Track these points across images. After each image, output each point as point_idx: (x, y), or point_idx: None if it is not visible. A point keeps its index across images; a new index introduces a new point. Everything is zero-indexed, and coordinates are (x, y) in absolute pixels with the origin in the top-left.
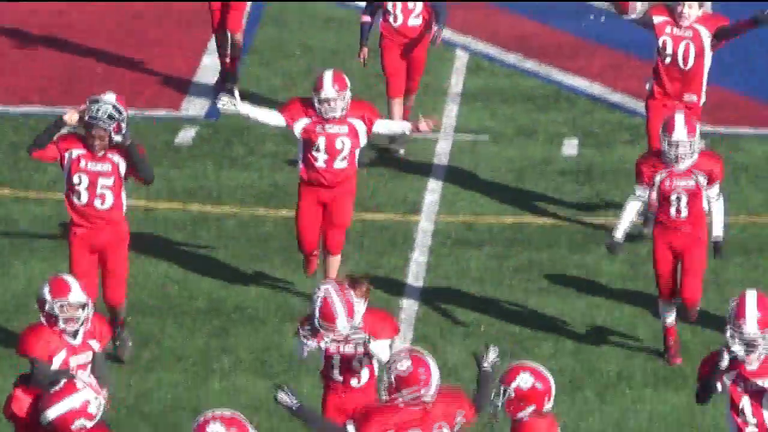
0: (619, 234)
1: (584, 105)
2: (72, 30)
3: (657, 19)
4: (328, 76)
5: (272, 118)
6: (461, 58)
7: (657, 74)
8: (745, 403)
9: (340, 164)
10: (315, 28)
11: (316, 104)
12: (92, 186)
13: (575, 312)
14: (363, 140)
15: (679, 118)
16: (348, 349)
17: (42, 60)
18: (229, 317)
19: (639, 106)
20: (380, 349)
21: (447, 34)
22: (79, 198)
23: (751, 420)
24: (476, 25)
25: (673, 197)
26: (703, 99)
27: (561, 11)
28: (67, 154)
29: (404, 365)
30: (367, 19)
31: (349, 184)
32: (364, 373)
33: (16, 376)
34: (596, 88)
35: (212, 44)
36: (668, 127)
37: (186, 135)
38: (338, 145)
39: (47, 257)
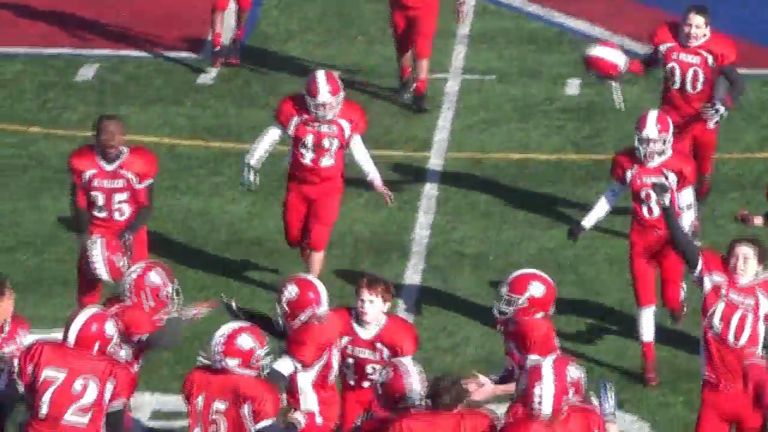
0: (586, 223)
1: (585, 47)
2: None
3: (663, 47)
4: (322, 80)
5: (270, 135)
6: (468, 2)
7: (666, 95)
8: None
9: (326, 162)
10: None
11: (312, 108)
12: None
13: (578, 244)
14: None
15: (651, 116)
16: (363, 355)
17: (69, 3)
18: (249, 249)
19: (638, 48)
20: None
21: None
22: (99, 212)
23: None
24: None
25: (643, 194)
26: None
27: None
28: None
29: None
30: None
31: (336, 182)
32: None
33: (50, 305)
34: (597, 31)
35: None
36: (640, 123)
37: (207, 76)
38: (325, 143)
39: None
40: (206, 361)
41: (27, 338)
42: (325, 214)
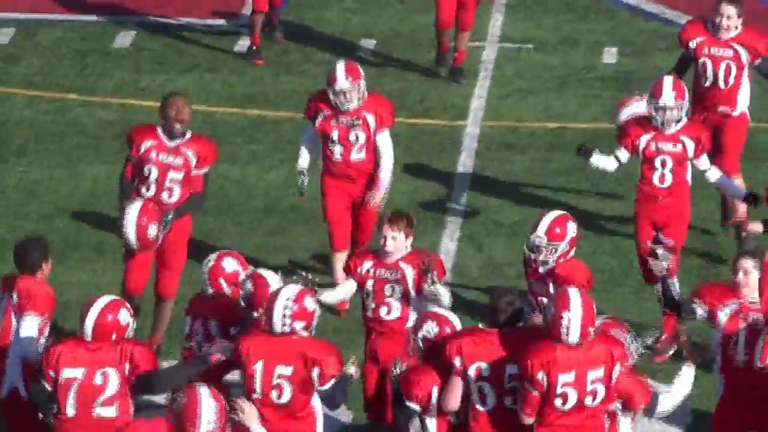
0: (595, 157)
1: (623, 15)
2: None
3: (693, 43)
4: (340, 68)
5: (307, 134)
6: None
7: (696, 92)
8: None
9: (356, 156)
10: None
11: (331, 96)
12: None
13: (614, 211)
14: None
15: (667, 82)
16: (383, 275)
17: None
18: (286, 217)
19: (674, 15)
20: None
21: None
22: (147, 190)
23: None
24: None
25: (658, 162)
26: (738, 110)
27: None
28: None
29: (431, 330)
30: None
31: (374, 178)
32: (395, 309)
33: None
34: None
35: None
36: (656, 91)
37: (244, 43)
38: (351, 137)
39: (111, 160)
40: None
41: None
42: (366, 222)
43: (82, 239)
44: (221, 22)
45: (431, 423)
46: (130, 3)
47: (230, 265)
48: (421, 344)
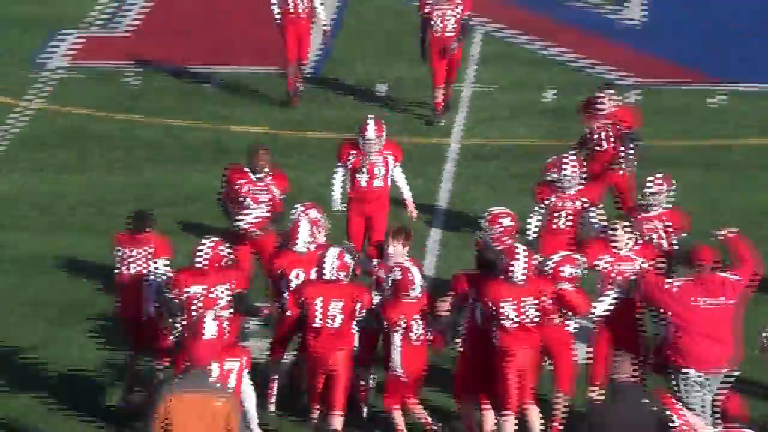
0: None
1: (556, 69)
2: (223, 11)
3: (589, 126)
4: (371, 123)
5: (338, 175)
6: (478, 36)
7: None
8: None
9: (377, 184)
10: None
11: (360, 143)
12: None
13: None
14: (391, 168)
15: (567, 159)
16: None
17: (196, 27)
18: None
19: (591, 67)
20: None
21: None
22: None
23: None
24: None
25: (560, 214)
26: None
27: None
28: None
29: (397, 275)
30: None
31: (385, 200)
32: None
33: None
34: (570, 55)
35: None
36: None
37: (300, 85)
38: (375, 171)
39: (209, 169)
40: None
41: (160, 263)
42: (379, 227)
43: (178, 227)
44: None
45: (398, 339)
46: (217, 57)
47: (315, 213)
48: (390, 286)
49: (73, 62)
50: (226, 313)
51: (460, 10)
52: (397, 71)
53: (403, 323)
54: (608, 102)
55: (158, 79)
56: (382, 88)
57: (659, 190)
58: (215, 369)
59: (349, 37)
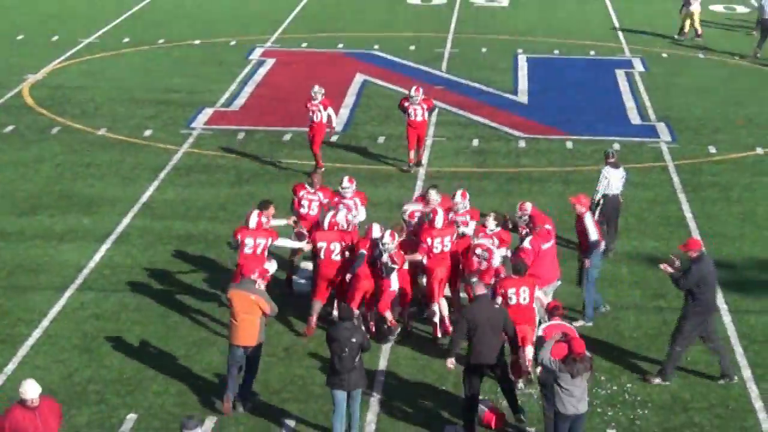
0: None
1: (481, 126)
2: (291, 95)
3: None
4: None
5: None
6: (435, 111)
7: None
8: None
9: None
10: None
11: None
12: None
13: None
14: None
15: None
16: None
17: (264, 102)
18: None
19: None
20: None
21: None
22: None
23: None
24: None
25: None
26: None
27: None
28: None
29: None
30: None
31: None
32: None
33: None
34: (485, 121)
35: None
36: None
37: (335, 138)
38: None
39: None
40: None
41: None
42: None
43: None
44: (326, 129)
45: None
46: (289, 122)
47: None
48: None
49: (208, 125)
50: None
51: (426, 106)
52: (390, 130)
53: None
54: (435, 197)
55: (256, 134)
56: (381, 139)
57: (463, 199)
58: (250, 242)
59: (363, 110)
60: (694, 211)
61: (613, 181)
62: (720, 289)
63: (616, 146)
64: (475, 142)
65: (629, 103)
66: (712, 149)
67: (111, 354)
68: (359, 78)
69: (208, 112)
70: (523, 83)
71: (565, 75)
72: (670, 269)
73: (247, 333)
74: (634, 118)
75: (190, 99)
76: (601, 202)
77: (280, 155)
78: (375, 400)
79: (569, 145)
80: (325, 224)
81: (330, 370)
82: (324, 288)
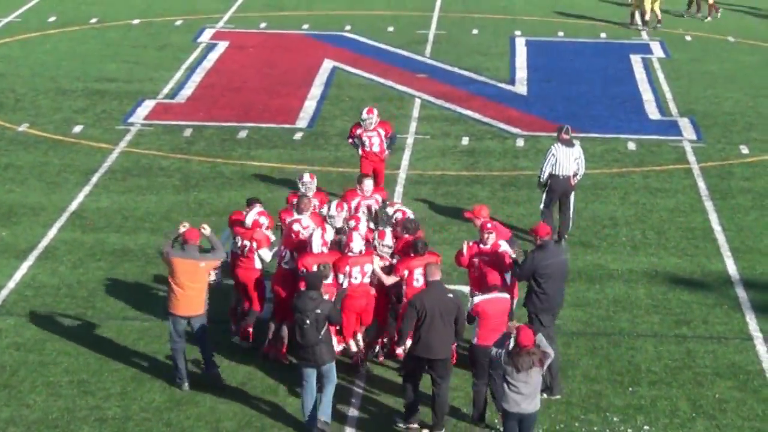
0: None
1: (471, 122)
2: (247, 85)
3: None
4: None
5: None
6: (417, 102)
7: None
8: None
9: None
10: None
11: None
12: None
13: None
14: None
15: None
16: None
17: (221, 96)
18: None
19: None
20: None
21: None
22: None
23: None
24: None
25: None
26: None
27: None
28: None
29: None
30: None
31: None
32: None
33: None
34: (476, 116)
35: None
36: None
37: (298, 135)
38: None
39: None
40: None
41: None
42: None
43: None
44: (288, 125)
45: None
46: (245, 117)
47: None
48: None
49: (149, 120)
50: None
51: (384, 132)
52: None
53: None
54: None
55: (206, 130)
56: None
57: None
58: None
59: (332, 102)
60: (723, 222)
61: (562, 160)
62: (754, 314)
63: (632, 145)
64: (465, 141)
65: (647, 95)
66: (744, 149)
67: (34, 391)
68: (328, 65)
69: (149, 104)
70: (521, 71)
71: (571, 61)
72: (512, 254)
73: (194, 302)
74: (653, 113)
75: (127, 89)
76: (548, 182)
77: (234, 155)
78: (357, 389)
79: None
80: (314, 248)
81: (293, 344)
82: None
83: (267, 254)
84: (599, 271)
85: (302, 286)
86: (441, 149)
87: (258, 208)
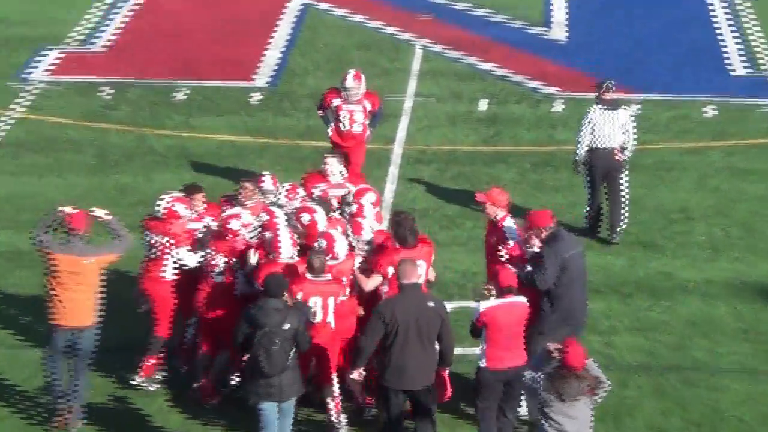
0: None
1: (490, 79)
2: (188, 30)
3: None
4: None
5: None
6: (418, 52)
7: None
8: None
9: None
10: None
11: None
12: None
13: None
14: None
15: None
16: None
17: (165, 45)
18: None
19: (524, 79)
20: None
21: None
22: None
23: None
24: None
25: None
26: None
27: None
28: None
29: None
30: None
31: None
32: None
33: None
34: (501, 69)
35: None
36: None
37: (256, 96)
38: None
39: (175, 172)
40: None
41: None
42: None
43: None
44: (243, 83)
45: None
46: (183, 72)
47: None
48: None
49: (53, 77)
50: None
51: (370, 105)
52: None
53: None
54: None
55: (131, 90)
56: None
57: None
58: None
59: (302, 52)
60: None
61: (603, 128)
62: None
63: (710, 111)
64: (483, 105)
65: (730, 44)
66: None
67: None
68: (296, 2)
69: (54, 54)
70: (559, 10)
71: None
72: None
73: (80, 311)
74: (738, 67)
75: (24, 34)
76: (586, 159)
77: (168, 124)
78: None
79: (633, 109)
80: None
81: (249, 374)
82: None
83: (188, 257)
84: (667, 282)
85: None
86: (450, 116)
87: (176, 194)
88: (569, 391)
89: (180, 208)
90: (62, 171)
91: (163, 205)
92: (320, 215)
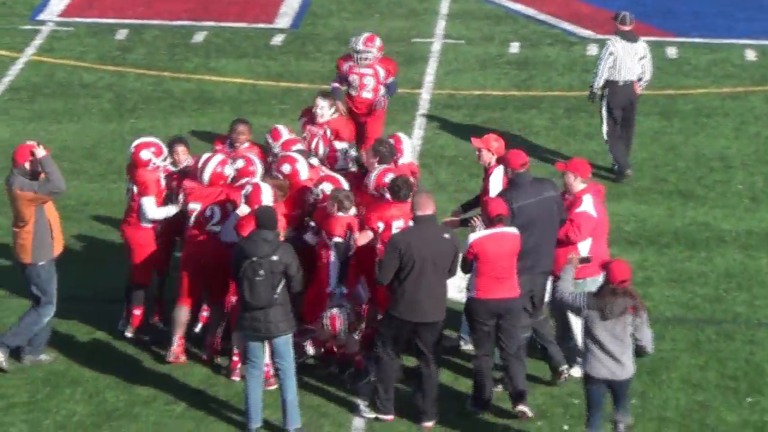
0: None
1: (522, 21)
2: None
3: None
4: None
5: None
6: None
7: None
8: None
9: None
10: None
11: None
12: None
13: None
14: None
15: None
16: None
17: None
18: None
19: (557, 21)
20: None
21: None
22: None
23: None
24: None
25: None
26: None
27: None
28: None
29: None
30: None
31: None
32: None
33: None
34: (530, 11)
35: None
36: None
37: (277, 39)
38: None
39: (192, 116)
40: None
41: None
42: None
43: None
44: (263, 25)
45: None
46: (203, 13)
47: None
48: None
49: (66, 17)
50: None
51: (384, 73)
52: (370, 25)
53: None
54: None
55: (148, 32)
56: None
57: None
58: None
59: None
60: None
61: (624, 59)
62: None
63: (751, 54)
64: (514, 48)
65: None
66: None
67: None
68: None
69: None
70: None
71: None
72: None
73: (18, 245)
74: None
75: None
76: (604, 93)
77: (187, 67)
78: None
79: (671, 52)
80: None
81: (239, 306)
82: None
83: (153, 208)
84: (705, 232)
85: (246, 229)
86: (480, 59)
87: (145, 139)
88: (614, 308)
89: (145, 155)
90: (77, 116)
91: (129, 150)
92: (301, 164)
